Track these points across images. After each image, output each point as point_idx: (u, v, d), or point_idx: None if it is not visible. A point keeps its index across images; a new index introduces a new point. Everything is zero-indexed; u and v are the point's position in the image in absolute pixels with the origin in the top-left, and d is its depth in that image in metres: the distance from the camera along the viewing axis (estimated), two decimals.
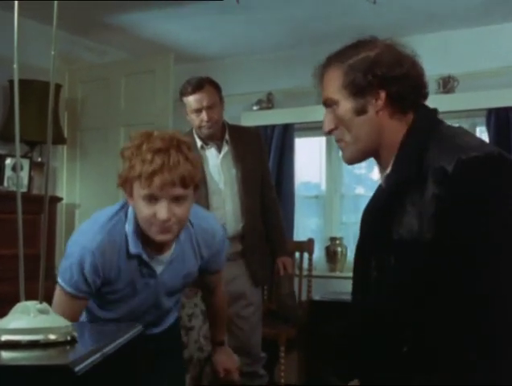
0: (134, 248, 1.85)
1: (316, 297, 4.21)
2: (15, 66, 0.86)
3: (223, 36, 4.60)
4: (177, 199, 1.75)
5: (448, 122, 1.70)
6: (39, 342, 0.95)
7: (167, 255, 1.92)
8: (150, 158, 1.70)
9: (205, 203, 3.09)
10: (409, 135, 1.56)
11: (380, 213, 1.62)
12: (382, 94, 1.55)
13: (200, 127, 3.19)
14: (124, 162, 1.78)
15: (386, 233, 1.55)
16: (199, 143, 3.23)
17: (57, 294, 1.87)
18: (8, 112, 3.96)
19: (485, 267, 1.39)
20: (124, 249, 1.86)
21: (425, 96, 1.62)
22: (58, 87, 4.13)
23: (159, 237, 1.79)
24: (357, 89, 1.56)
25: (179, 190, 1.73)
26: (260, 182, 3.30)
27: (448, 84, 4.24)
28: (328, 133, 1.66)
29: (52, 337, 0.96)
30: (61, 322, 1.00)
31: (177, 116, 4.63)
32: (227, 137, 3.26)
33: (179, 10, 4.05)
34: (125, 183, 1.79)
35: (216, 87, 3.25)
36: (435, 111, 1.63)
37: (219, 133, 3.25)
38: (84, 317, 2.01)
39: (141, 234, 1.84)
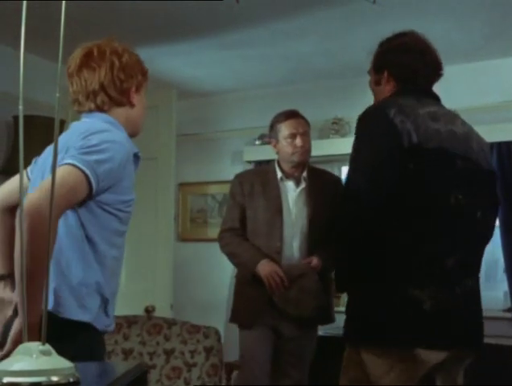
0: (135, 148, 1.98)
1: (320, 332, 4.17)
2: (20, 107, 0.86)
3: (225, 71, 4.63)
4: None
5: None
6: (41, 385, 0.94)
7: None
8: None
9: (279, 234, 3.15)
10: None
11: None
12: (385, 72, 2.22)
13: (292, 154, 3.22)
14: (131, 72, 2.01)
15: None
16: (279, 174, 3.27)
17: (65, 175, 1.67)
18: (12, 147, 3.98)
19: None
20: (130, 154, 1.92)
21: (423, 80, 2.23)
22: (62, 122, 4.15)
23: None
24: (375, 68, 2.28)
25: None
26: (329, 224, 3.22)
27: None
28: None
29: (55, 379, 0.95)
30: (64, 363, 0.99)
31: (180, 151, 4.65)
32: (305, 174, 3.28)
33: (181, 46, 4.09)
34: (142, 85, 2.06)
35: (307, 121, 3.33)
36: (418, 88, 2.22)
37: (301, 168, 3.28)
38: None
39: None
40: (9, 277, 1.99)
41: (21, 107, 0.87)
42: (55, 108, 0.93)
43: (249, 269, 3.15)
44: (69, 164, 1.69)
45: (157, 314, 3.95)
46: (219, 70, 4.60)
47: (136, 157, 1.98)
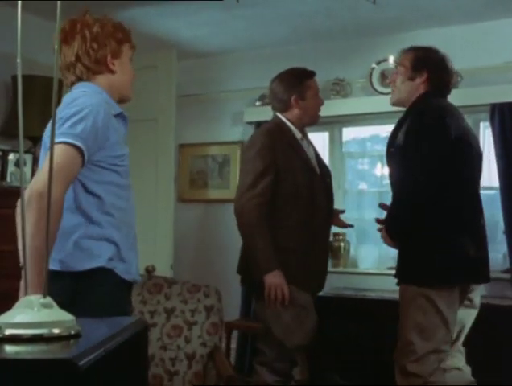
0: (116, 108, 2.09)
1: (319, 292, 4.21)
2: (18, 60, 0.85)
3: (225, 32, 4.59)
4: None
5: None
6: (42, 336, 0.95)
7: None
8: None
9: (323, 195, 3.05)
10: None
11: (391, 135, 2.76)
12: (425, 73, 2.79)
13: (319, 110, 3.14)
14: (104, 41, 2.09)
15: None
16: (299, 134, 3.08)
17: (61, 155, 1.81)
18: (11, 107, 3.97)
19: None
20: (109, 113, 2.01)
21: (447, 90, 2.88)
22: (61, 82, 4.13)
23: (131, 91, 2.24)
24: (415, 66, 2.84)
25: None
26: None
27: None
28: None
29: (56, 331, 0.96)
30: (65, 316, 1.00)
31: (180, 112, 4.64)
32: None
33: (181, 6, 4.05)
34: (119, 51, 2.14)
35: None
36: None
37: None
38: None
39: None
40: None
41: (19, 60, 0.87)
42: (54, 65, 0.93)
43: (258, 269, 2.88)
44: (62, 142, 1.81)
45: (157, 274, 3.98)
46: (219, 30, 4.55)
47: (122, 117, 2.12)
